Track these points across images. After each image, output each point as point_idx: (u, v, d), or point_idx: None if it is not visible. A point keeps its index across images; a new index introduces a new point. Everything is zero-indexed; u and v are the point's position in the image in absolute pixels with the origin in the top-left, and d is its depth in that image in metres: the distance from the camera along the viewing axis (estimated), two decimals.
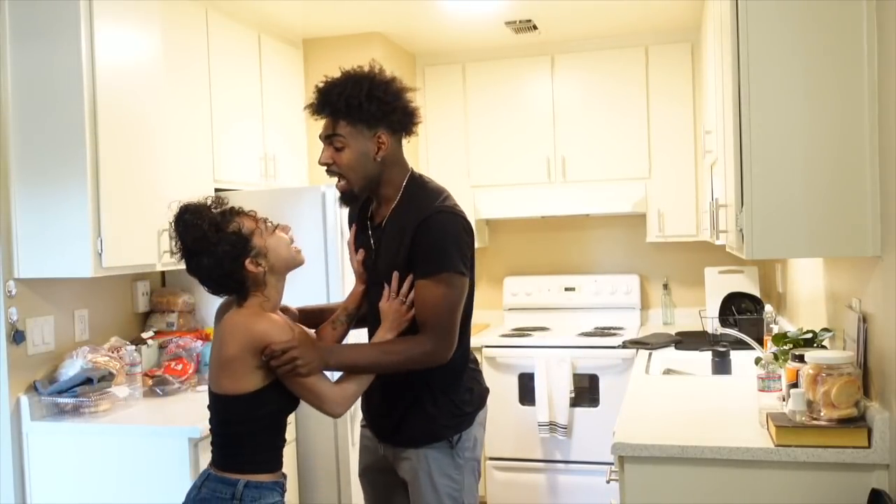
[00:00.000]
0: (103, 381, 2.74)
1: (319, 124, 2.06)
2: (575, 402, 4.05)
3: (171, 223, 1.90)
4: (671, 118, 4.31)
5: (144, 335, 3.22)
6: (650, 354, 3.64)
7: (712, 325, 3.92)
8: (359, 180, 2.03)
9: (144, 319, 3.39)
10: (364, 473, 2.26)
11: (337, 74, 2.04)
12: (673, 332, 4.21)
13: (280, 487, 1.96)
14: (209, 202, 1.93)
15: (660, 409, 2.52)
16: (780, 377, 2.41)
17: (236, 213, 1.92)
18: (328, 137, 2.02)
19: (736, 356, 3.20)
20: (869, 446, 1.93)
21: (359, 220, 2.20)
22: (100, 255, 2.63)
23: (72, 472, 2.67)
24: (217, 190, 3.36)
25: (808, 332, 2.35)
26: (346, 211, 2.31)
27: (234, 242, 1.86)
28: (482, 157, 4.60)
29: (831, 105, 1.94)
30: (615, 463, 2.15)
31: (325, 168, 2.05)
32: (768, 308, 3.38)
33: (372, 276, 2.12)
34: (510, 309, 4.78)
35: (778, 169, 1.97)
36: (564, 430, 4.04)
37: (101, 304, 3.11)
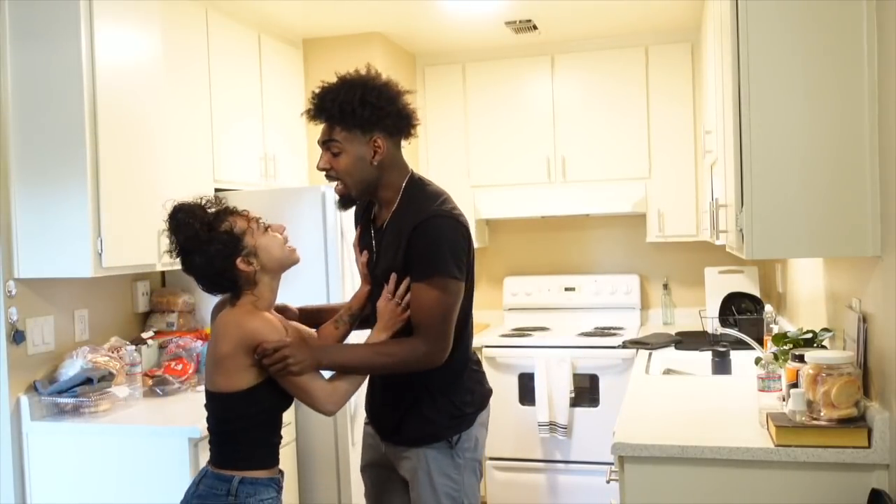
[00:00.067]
0: (103, 381, 2.74)
1: (319, 125, 2.07)
2: (575, 402, 4.05)
3: (165, 222, 1.93)
4: (671, 118, 4.31)
5: (144, 335, 3.22)
6: (650, 354, 3.64)
7: (712, 325, 3.92)
8: (356, 185, 2.05)
9: (144, 319, 3.39)
10: (365, 469, 2.28)
11: (335, 77, 2.05)
12: (673, 332, 4.21)
13: (276, 484, 1.98)
14: (203, 202, 1.95)
15: (660, 409, 2.52)
16: (780, 377, 2.41)
17: (229, 212, 1.95)
18: (325, 143, 2.04)
19: (736, 356, 3.20)
20: (869, 446, 1.93)
21: (363, 222, 2.22)
22: (100, 255, 2.63)
23: (72, 472, 2.67)
24: (217, 190, 3.36)
25: (808, 332, 2.35)
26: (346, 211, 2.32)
27: (225, 242, 1.89)
28: (482, 157, 4.60)
29: (831, 105, 1.94)
30: (615, 463, 2.15)
31: (324, 173, 2.07)
32: (768, 308, 3.38)
33: (374, 278, 2.13)
34: (510, 309, 4.78)
35: (778, 169, 1.97)
36: (564, 430, 4.04)
37: (101, 304, 3.11)
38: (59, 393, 2.69)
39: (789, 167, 1.97)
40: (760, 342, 2.98)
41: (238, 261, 1.91)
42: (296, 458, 3.24)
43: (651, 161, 4.35)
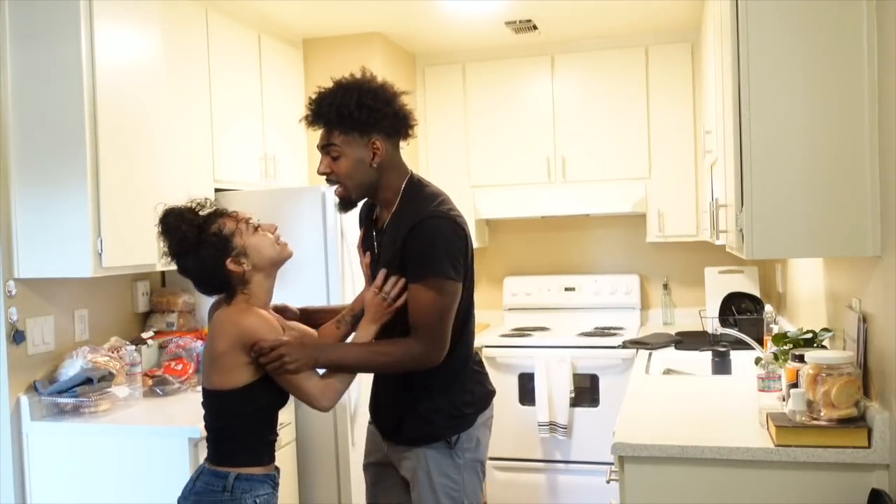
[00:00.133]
0: (103, 381, 2.74)
1: (318, 129, 2.09)
2: (575, 402, 4.05)
3: (155, 227, 1.97)
4: (671, 118, 4.31)
5: (144, 335, 3.22)
6: (650, 354, 3.64)
7: (712, 325, 3.92)
8: (356, 187, 2.07)
9: (144, 319, 3.39)
10: (367, 468, 2.29)
11: (331, 82, 2.07)
12: (673, 332, 4.21)
13: (271, 480, 2.01)
14: (193, 205, 1.99)
15: (660, 409, 2.52)
16: (780, 377, 2.41)
17: (218, 214, 1.98)
18: (324, 147, 2.05)
19: (736, 356, 3.20)
20: (869, 446, 1.93)
21: (366, 223, 2.24)
22: (100, 255, 2.63)
23: (72, 472, 2.67)
24: (217, 190, 3.37)
25: (808, 332, 2.35)
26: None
27: (214, 244, 1.92)
28: (482, 157, 4.60)
29: (831, 105, 1.94)
30: (615, 463, 2.15)
31: (325, 177, 2.08)
32: (768, 308, 3.38)
33: (375, 279, 2.14)
34: (510, 309, 4.78)
35: (778, 169, 1.97)
36: (564, 430, 4.04)
37: (101, 304, 3.11)
38: (59, 393, 2.69)
39: (789, 167, 1.97)
40: (760, 342, 2.98)
41: (228, 261, 1.94)
42: (296, 458, 3.24)
43: (651, 161, 4.35)
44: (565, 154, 4.45)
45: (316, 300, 3.05)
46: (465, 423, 2.10)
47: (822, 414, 2.00)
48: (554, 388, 4.03)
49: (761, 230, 2.00)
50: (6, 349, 2.65)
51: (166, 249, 1.97)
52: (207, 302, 2.12)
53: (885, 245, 1.90)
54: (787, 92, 1.97)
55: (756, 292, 4.07)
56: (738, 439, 2.07)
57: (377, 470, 2.25)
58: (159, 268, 2.92)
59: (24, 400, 2.69)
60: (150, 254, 2.86)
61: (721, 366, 3.19)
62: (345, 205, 2.12)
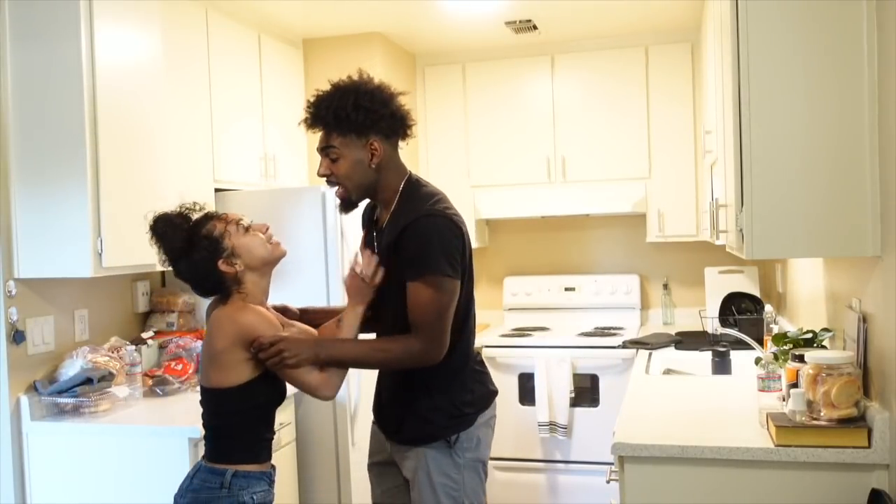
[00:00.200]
0: (103, 381, 2.74)
1: (317, 132, 2.11)
2: (575, 402, 4.05)
3: (147, 234, 2.01)
4: (671, 118, 4.31)
5: (144, 335, 3.22)
6: (650, 354, 3.64)
7: (712, 325, 3.92)
8: (356, 188, 2.09)
9: (144, 319, 3.39)
10: (372, 467, 2.31)
11: (329, 84, 2.10)
12: (673, 332, 4.21)
13: (268, 477, 2.03)
14: (183, 209, 2.02)
15: (660, 409, 2.52)
16: (780, 377, 2.41)
17: (208, 218, 2.02)
18: (323, 150, 2.08)
19: (736, 356, 3.20)
20: (869, 446, 1.93)
21: (368, 224, 2.26)
22: (100, 255, 2.63)
23: (72, 472, 2.67)
24: (217, 190, 3.37)
25: (808, 332, 2.35)
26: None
27: (205, 246, 1.96)
28: (482, 157, 4.60)
29: (831, 105, 1.94)
30: (615, 463, 2.15)
31: (325, 179, 2.11)
32: (768, 308, 3.38)
33: None
34: (510, 309, 4.78)
35: (778, 169, 1.97)
36: (564, 430, 4.04)
37: (101, 304, 3.11)
38: (59, 393, 2.69)
39: (789, 167, 1.97)
40: (760, 342, 2.98)
41: (220, 263, 1.97)
42: (296, 458, 3.24)
43: (651, 161, 4.35)
44: (565, 154, 4.45)
45: (316, 300, 3.05)
46: (465, 423, 2.10)
47: (822, 414, 2.00)
48: (554, 388, 4.03)
49: (761, 230, 2.00)
50: (6, 349, 2.65)
51: (160, 255, 2.01)
52: (207, 302, 2.13)
53: (885, 245, 1.90)
54: (787, 92, 1.97)
55: (756, 292, 4.07)
56: (738, 439, 2.07)
57: (381, 470, 2.26)
58: (159, 268, 2.91)
59: (24, 400, 2.69)
60: (150, 254, 2.82)
61: (721, 366, 3.19)
62: (346, 206, 2.14)
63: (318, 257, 3.27)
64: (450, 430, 2.08)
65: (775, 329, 2.97)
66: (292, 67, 4.10)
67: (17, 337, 2.68)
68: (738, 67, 2.00)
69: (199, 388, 2.05)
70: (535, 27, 4.17)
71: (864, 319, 2.05)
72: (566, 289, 4.68)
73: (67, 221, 2.63)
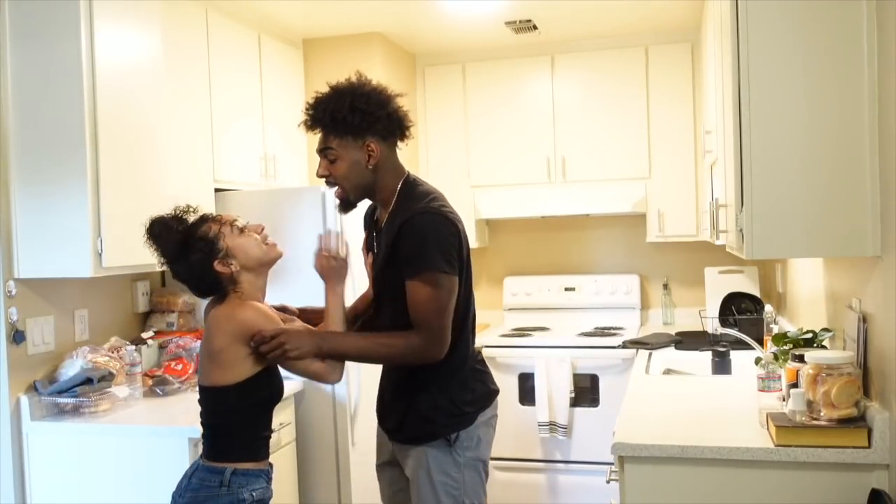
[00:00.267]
0: (103, 381, 2.75)
1: (317, 134, 2.14)
2: (575, 402, 4.05)
3: (143, 237, 2.04)
4: (671, 118, 4.31)
5: (144, 335, 3.22)
6: (650, 354, 3.64)
7: (712, 325, 3.92)
8: (353, 188, 2.12)
9: (144, 319, 3.39)
10: (380, 469, 2.33)
11: (331, 84, 2.12)
12: (673, 332, 4.21)
13: (266, 475, 2.05)
14: (178, 212, 2.06)
15: (660, 409, 2.52)
16: (780, 377, 2.41)
17: (203, 220, 2.05)
18: (322, 151, 2.11)
19: (736, 356, 3.20)
20: (869, 446, 1.93)
21: (369, 225, 2.28)
22: (100, 255, 2.63)
23: (72, 472, 2.67)
24: (217, 190, 3.37)
25: (808, 332, 2.35)
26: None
27: (201, 248, 1.99)
28: (482, 157, 4.60)
29: (831, 105, 1.94)
30: (615, 463, 2.15)
31: (324, 179, 2.14)
32: (768, 308, 3.38)
33: (374, 278, 2.20)
34: (510, 309, 4.78)
35: (778, 169, 1.97)
36: (564, 430, 4.04)
37: (101, 304, 3.11)
38: (59, 393, 2.69)
39: (789, 167, 1.97)
40: (760, 342, 2.98)
41: (216, 263, 2.00)
42: (296, 458, 3.24)
43: (651, 161, 4.35)
44: (565, 154, 4.45)
45: (316, 300, 3.02)
46: (465, 422, 2.11)
47: (822, 414, 2.00)
48: (554, 388, 4.03)
49: (761, 230, 2.00)
50: (6, 349, 2.65)
51: (158, 258, 2.05)
52: (206, 302, 2.14)
53: (885, 245, 1.90)
54: (787, 92, 1.97)
55: (756, 292, 4.07)
56: (738, 439, 2.07)
57: (388, 470, 2.28)
58: (159, 268, 2.92)
59: (24, 400, 2.69)
60: (150, 254, 2.86)
61: (721, 366, 3.19)
62: (344, 206, 2.17)
63: None
64: (450, 428, 2.09)
65: (775, 329, 2.97)
66: (292, 67, 4.10)
67: (17, 337, 2.68)
68: (738, 67, 2.00)
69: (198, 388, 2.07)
70: (535, 27, 4.17)
71: (864, 319, 2.05)
72: (566, 289, 4.68)
73: (67, 221, 2.63)
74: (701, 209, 4.15)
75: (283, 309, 2.19)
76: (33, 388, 2.74)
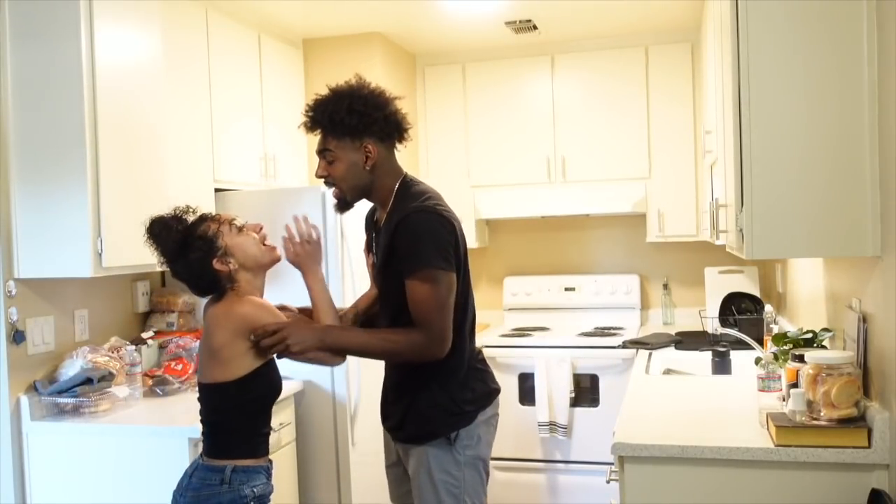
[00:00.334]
0: (103, 381, 2.75)
1: (316, 135, 2.17)
2: (575, 402, 4.05)
3: (143, 237, 2.06)
4: (671, 118, 4.31)
5: (144, 335, 3.22)
6: (650, 354, 3.64)
7: (712, 325, 3.92)
8: (351, 189, 2.15)
9: (144, 319, 3.39)
10: (388, 469, 2.34)
11: (330, 87, 2.15)
12: (673, 332, 4.21)
13: (266, 471, 2.08)
14: (177, 212, 2.08)
15: (660, 409, 2.52)
16: (780, 377, 2.41)
17: (202, 219, 2.08)
18: (321, 152, 2.14)
19: (736, 356, 3.20)
20: (869, 446, 1.93)
21: (370, 226, 2.31)
22: (100, 255, 2.63)
23: (72, 472, 2.67)
24: (217, 190, 3.37)
25: (808, 332, 2.35)
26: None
27: (199, 246, 2.02)
28: (482, 157, 4.60)
29: (831, 105, 1.94)
30: (615, 463, 2.15)
31: (323, 180, 2.17)
32: (768, 308, 3.38)
33: (374, 278, 2.23)
34: (510, 309, 4.78)
35: (778, 169, 1.97)
36: (564, 430, 4.04)
37: (101, 304, 3.11)
38: (59, 393, 2.69)
39: (789, 167, 1.97)
40: (760, 342, 2.98)
41: (214, 262, 2.02)
42: (296, 458, 3.24)
43: (651, 161, 4.35)
44: (565, 154, 4.45)
45: None
46: (465, 420, 2.11)
47: (822, 414, 2.00)
48: (554, 388, 4.03)
49: (761, 230, 2.00)
50: (6, 349, 2.65)
51: (157, 257, 2.07)
52: (206, 302, 2.14)
53: (885, 245, 1.90)
54: (787, 92, 1.97)
55: (756, 292, 4.07)
56: (738, 439, 2.07)
57: (395, 471, 2.30)
58: (159, 268, 2.92)
59: (24, 400, 2.69)
60: (150, 254, 2.86)
61: (721, 366, 3.18)
62: (341, 206, 2.19)
63: None
64: (449, 427, 2.10)
65: (775, 329, 2.97)
66: (292, 67, 4.10)
67: (17, 337, 2.68)
68: (738, 67, 2.00)
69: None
70: (535, 27, 4.17)
71: (864, 319, 2.05)
72: (566, 289, 4.69)
73: (67, 221, 2.63)
74: (701, 209, 4.15)
75: (282, 309, 2.20)
76: (33, 388, 2.74)
